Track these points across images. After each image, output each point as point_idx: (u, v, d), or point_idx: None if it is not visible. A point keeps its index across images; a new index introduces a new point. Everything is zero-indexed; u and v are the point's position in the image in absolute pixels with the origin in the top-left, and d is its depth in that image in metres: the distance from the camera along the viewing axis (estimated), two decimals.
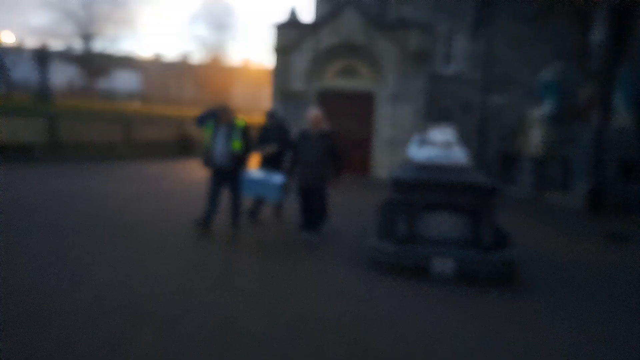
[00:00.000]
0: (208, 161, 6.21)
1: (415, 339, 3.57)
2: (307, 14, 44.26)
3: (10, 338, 3.10)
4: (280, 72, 14.26)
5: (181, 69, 45.30)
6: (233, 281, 4.58)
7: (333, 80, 14.17)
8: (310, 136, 5.94)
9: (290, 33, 14.20)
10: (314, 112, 5.98)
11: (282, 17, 14.56)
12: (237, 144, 6.02)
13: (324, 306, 4.08)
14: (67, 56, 35.28)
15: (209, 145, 6.15)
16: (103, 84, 37.27)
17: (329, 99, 14.11)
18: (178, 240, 5.91)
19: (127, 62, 38.56)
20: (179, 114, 21.47)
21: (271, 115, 7.35)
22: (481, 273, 4.93)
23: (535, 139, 12.73)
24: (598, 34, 12.42)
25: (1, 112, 12.71)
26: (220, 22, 40.77)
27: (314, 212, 6.14)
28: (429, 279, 4.88)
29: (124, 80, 39.53)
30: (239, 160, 6.16)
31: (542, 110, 12.86)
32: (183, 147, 17.60)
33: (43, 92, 17.07)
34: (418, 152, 5.89)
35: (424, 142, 6.10)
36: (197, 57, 42.61)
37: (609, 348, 3.61)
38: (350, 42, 13.59)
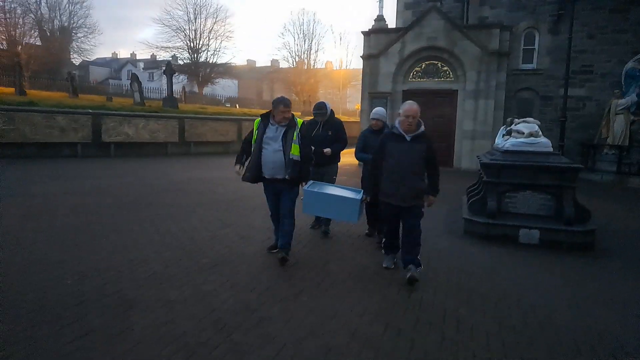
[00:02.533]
0: (253, 172, 4.54)
1: (507, 286, 4.26)
2: (390, 21, 44.28)
3: (171, 265, 4.25)
4: (369, 75, 15.05)
5: (271, 74, 47.66)
6: (329, 246, 5.52)
7: (417, 80, 14.69)
8: (402, 139, 4.25)
9: (377, 39, 14.92)
10: (414, 107, 4.24)
11: (368, 25, 15.20)
12: (296, 149, 4.48)
13: (429, 262, 4.85)
14: (177, 67, 38.80)
15: (254, 151, 4.53)
16: (207, 90, 40.56)
17: (413, 98, 14.63)
18: None
19: (226, 70, 41.47)
20: None
21: (319, 107, 5.59)
22: (564, 242, 5.45)
23: (618, 127, 12.41)
24: None
25: (142, 116, 14.83)
26: (306, 31, 42.24)
27: (409, 236, 4.36)
28: (517, 246, 5.50)
29: (224, 86, 42.65)
30: (300, 169, 4.53)
31: (626, 99, 12.49)
32: None
33: (170, 99, 19.37)
34: (505, 142, 6.44)
35: (510, 133, 6.63)
36: (286, 62, 44.47)
37: None
38: (433, 45, 14.01)
